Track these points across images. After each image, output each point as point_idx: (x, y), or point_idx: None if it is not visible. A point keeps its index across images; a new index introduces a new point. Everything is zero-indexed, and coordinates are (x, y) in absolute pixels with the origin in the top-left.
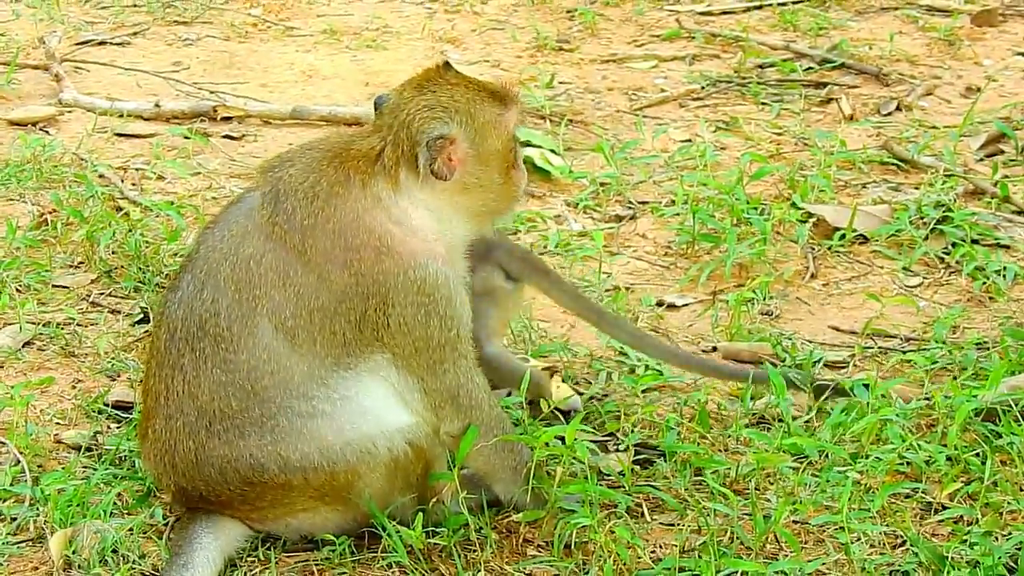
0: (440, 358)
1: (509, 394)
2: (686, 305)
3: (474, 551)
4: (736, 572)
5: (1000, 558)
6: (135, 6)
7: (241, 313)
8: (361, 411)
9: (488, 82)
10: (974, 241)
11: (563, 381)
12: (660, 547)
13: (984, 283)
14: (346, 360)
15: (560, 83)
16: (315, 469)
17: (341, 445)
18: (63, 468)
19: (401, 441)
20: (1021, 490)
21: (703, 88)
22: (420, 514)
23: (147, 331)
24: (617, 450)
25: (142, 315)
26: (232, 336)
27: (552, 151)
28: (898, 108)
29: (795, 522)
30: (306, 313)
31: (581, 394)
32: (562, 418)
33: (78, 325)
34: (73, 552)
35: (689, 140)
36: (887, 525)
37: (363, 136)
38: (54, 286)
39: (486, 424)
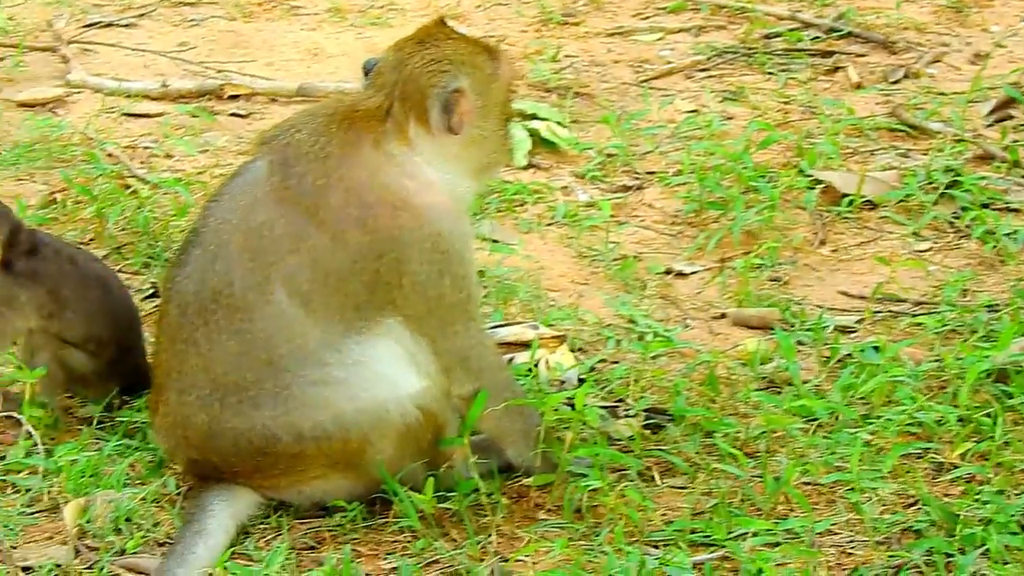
0: (451, 319)
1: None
2: (694, 273)
3: (485, 515)
4: (748, 531)
5: (1013, 515)
6: None
7: (256, 281)
8: (374, 376)
9: (477, 38)
10: (984, 205)
11: (571, 350)
12: (671, 510)
13: (994, 246)
14: (359, 324)
15: (566, 56)
16: (328, 437)
17: (354, 412)
18: (76, 440)
19: (412, 406)
20: None
21: (709, 59)
22: (431, 479)
23: (156, 306)
24: (627, 415)
25: (152, 290)
26: (247, 305)
27: (558, 123)
28: (906, 76)
29: (806, 483)
30: (321, 276)
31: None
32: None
33: None
34: (87, 521)
35: (695, 110)
36: (898, 484)
37: (367, 96)
38: None
39: (496, 387)
